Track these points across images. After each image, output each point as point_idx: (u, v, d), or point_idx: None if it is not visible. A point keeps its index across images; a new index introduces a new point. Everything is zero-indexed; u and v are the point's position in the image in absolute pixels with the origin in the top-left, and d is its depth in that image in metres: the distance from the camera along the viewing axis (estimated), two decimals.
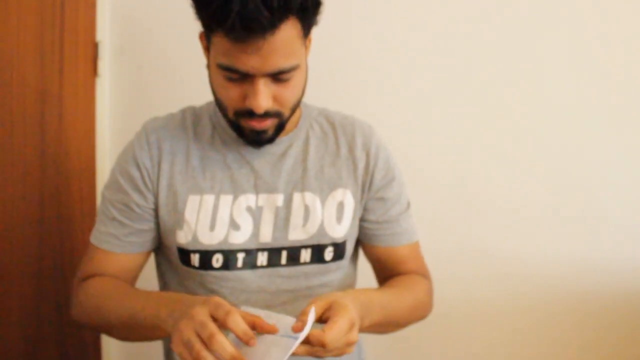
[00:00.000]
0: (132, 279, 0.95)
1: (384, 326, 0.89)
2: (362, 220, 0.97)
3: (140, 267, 0.96)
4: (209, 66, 0.85)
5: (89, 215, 1.34)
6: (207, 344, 0.66)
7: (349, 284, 1.01)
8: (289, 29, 0.77)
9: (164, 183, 0.91)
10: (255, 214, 0.91)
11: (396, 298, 0.91)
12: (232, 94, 0.82)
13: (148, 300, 0.81)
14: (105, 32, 1.37)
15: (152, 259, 1.00)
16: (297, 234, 0.91)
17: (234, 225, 0.90)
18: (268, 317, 0.72)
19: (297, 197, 0.92)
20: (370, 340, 1.14)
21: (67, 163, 1.31)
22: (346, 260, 0.96)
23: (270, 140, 0.88)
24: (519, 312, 1.41)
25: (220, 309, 0.69)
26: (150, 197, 0.91)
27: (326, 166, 0.94)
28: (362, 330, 0.79)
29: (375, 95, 1.38)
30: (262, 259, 0.91)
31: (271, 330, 0.70)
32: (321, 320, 0.74)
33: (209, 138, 0.94)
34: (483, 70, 1.36)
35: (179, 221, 0.90)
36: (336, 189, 0.93)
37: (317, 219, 0.91)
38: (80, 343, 1.35)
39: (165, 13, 1.37)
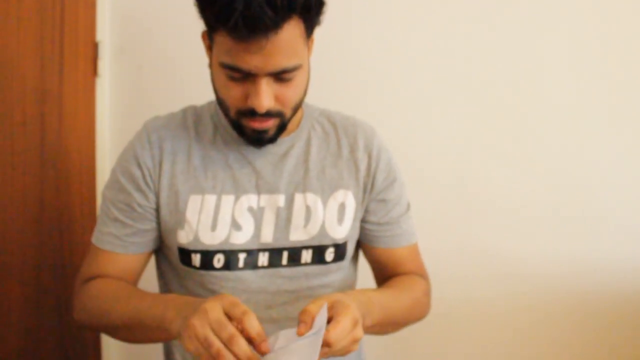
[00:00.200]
0: (135, 280, 0.95)
1: (384, 326, 0.89)
2: (362, 221, 0.97)
3: (142, 267, 0.96)
4: (211, 65, 0.85)
5: (89, 215, 1.34)
6: (226, 344, 0.66)
7: (349, 285, 1.01)
8: (292, 29, 0.77)
9: (165, 182, 0.90)
10: (257, 214, 0.91)
11: (395, 298, 0.91)
12: (234, 93, 0.82)
13: (155, 301, 0.81)
14: (105, 32, 1.36)
15: (152, 259, 1.00)
16: (298, 235, 0.91)
17: (235, 225, 0.90)
18: (274, 338, 0.72)
19: (298, 197, 0.92)
20: (370, 341, 1.14)
21: (67, 163, 1.30)
22: (347, 261, 0.96)
23: (272, 140, 0.88)
24: (519, 312, 1.41)
25: (237, 307, 0.69)
26: (152, 197, 0.91)
27: (328, 167, 0.94)
28: (364, 330, 0.79)
29: (375, 95, 1.38)
30: (263, 259, 0.91)
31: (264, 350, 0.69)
32: None
33: (210, 138, 0.93)
34: (483, 70, 1.36)
35: (180, 221, 0.90)
36: (337, 189, 0.93)
37: (319, 219, 0.91)
38: (80, 343, 1.35)
39: (165, 13, 1.37)
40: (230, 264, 0.90)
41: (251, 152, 0.92)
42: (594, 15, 1.34)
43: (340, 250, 0.93)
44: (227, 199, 0.90)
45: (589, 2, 1.33)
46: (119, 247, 0.91)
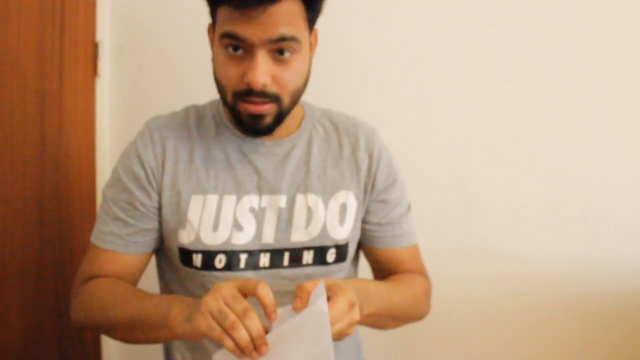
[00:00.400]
0: (135, 280, 0.94)
1: (382, 318, 0.89)
2: (363, 222, 0.97)
3: (143, 268, 0.95)
4: (213, 50, 0.85)
5: (89, 215, 1.34)
6: (240, 317, 0.68)
7: None
8: (290, 3, 0.79)
9: (167, 182, 0.90)
10: (259, 215, 0.91)
11: (395, 292, 0.91)
12: (232, 72, 0.82)
13: (159, 300, 0.82)
14: (105, 32, 1.36)
15: (152, 260, 1.00)
16: (299, 236, 0.91)
17: (237, 226, 0.90)
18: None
19: (300, 198, 0.91)
20: (370, 340, 1.14)
21: (67, 163, 1.30)
22: (348, 262, 0.96)
23: (269, 129, 0.86)
24: (519, 312, 1.41)
25: (249, 281, 0.71)
26: (155, 196, 0.91)
27: (329, 167, 0.94)
28: (361, 319, 0.79)
29: (375, 95, 1.38)
30: (264, 260, 0.91)
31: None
32: None
33: (212, 137, 0.93)
34: (483, 70, 1.36)
35: (182, 221, 0.89)
36: (339, 190, 0.93)
37: (320, 220, 0.91)
38: (80, 343, 1.35)
39: (165, 13, 1.37)
40: (231, 264, 0.89)
41: (253, 152, 0.92)
42: (594, 14, 1.34)
43: (341, 251, 0.93)
44: (229, 200, 0.90)
45: (589, 1, 1.33)
46: (120, 246, 0.91)
